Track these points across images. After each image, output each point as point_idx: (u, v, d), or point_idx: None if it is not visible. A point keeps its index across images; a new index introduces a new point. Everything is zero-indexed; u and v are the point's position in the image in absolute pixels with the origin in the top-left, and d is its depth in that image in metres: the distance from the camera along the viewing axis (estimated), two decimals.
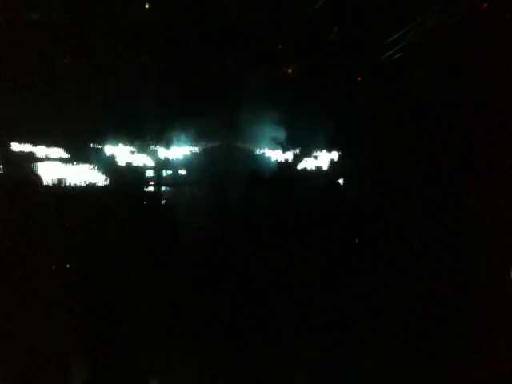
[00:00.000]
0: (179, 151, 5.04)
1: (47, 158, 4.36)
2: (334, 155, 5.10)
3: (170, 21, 4.33)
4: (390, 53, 4.25)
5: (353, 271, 3.84)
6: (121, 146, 4.79)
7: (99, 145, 4.70)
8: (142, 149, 4.90)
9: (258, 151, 5.12)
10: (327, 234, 4.21)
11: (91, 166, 4.52)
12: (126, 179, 4.73)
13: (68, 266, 3.43)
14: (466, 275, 3.40)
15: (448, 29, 3.80)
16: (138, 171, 4.87)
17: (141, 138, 4.86)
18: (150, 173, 4.97)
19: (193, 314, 3.64)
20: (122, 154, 4.80)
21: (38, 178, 3.95)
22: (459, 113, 3.65)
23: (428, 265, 3.66)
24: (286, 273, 3.95)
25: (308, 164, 5.17)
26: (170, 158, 5.03)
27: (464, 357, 3.13)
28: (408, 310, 3.55)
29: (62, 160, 4.42)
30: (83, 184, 4.37)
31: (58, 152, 4.44)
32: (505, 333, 3.05)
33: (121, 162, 4.78)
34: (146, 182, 4.95)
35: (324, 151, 5.14)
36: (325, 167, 5.10)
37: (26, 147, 4.27)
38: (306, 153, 5.16)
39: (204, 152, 5.05)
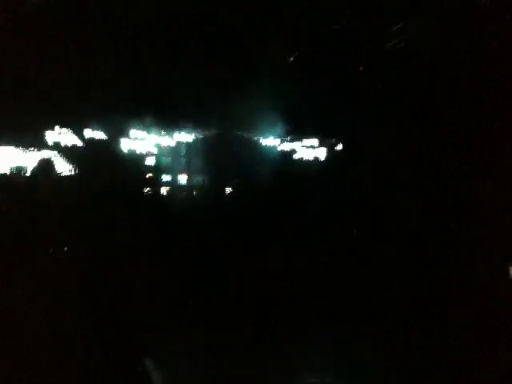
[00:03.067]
0: (179, 138, 4.98)
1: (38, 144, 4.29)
2: (334, 145, 5.03)
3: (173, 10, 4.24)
4: (392, 42, 4.19)
5: (352, 270, 3.84)
6: (118, 132, 4.72)
7: (96, 131, 4.62)
8: (140, 135, 4.81)
9: (257, 140, 5.07)
10: (328, 228, 4.19)
11: (87, 154, 4.46)
12: (124, 169, 4.64)
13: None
14: (466, 274, 3.40)
15: (451, 22, 3.76)
16: (136, 160, 4.78)
17: (138, 124, 4.77)
18: (148, 160, 4.89)
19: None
20: (119, 140, 4.74)
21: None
22: (461, 106, 3.63)
23: (428, 264, 3.66)
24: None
25: (307, 154, 5.12)
26: (169, 145, 4.96)
27: (464, 357, 3.12)
28: (408, 310, 3.54)
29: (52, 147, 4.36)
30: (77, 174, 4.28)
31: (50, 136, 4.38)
32: (505, 333, 3.04)
33: (118, 149, 4.72)
34: (145, 171, 4.87)
35: (324, 141, 5.08)
36: (324, 157, 5.03)
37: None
38: (305, 142, 5.10)
39: (203, 140, 4.99)
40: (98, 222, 3.75)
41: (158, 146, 4.91)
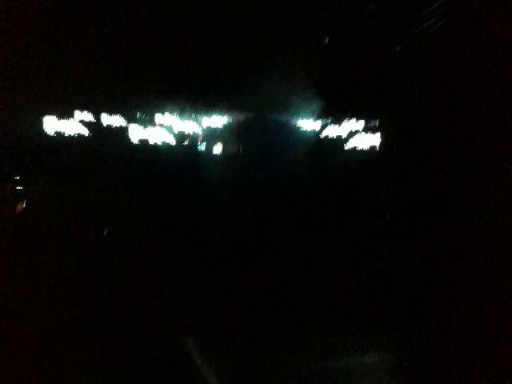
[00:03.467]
0: (212, 122, 4.69)
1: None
2: (369, 126, 4.80)
3: None
4: (430, 22, 4.09)
5: (352, 270, 3.84)
6: (146, 116, 4.42)
7: (124, 116, 4.40)
8: (170, 119, 4.49)
9: (292, 122, 4.81)
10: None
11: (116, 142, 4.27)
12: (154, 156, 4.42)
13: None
14: (467, 275, 3.40)
15: (451, 22, 3.72)
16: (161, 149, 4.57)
17: (170, 108, 4.50)
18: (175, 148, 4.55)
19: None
20: (147, 125, 4.44)
21: None
22: (461, 105, 3.62)
23: (429, 264, 3.66)
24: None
25: (342, 135, 4.86)
26: (202, 129, 4.66)
27: (464, 357, 3.12)
28: (409, 310, 3.55)
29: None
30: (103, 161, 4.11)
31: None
32: (505, 333, 3.04)
33: (146, 135, 4.44)
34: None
35: (359, 122, 4.83)
36: (359, 139, 4.77)
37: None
38: (340, 123, 4.84)
39: (237, 123, 4.78)
40: (101, 219, 3.75)
41: (184, 133, 4.65)
